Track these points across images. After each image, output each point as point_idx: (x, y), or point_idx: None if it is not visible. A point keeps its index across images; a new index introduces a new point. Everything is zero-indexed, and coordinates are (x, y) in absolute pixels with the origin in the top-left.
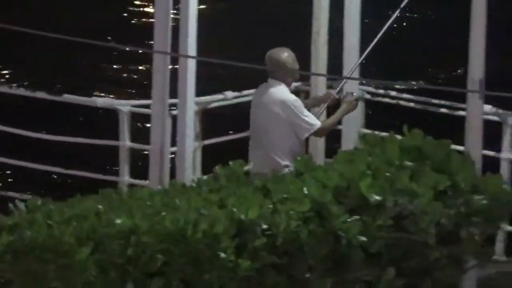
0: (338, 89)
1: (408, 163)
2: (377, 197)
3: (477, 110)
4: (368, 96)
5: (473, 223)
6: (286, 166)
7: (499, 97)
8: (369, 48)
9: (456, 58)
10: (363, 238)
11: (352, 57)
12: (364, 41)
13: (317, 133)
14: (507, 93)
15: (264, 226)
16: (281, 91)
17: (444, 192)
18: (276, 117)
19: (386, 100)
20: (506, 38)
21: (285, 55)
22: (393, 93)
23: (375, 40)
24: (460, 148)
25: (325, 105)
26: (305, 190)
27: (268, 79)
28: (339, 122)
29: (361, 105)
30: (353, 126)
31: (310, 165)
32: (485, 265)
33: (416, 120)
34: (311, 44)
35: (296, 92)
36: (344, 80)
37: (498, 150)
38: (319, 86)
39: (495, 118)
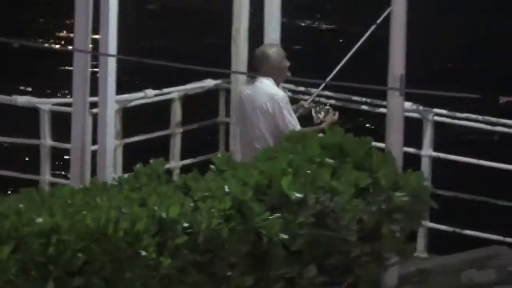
0: (310, 99)
1: (329, 161)
2: (298, 195)
3: (398, 107)
4: (289, 94)
5: (394, 220)
6: None
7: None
8: (348, 55)
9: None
10: (284, 236)
11: None
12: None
13: None
14: (427, 90)
15: (185, 224)
16: (269, 86)
17: (365, 189)
18: (263, 111)
19: (307, 97)
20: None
21: (272, 50)
22: (313, 90)
23: (355, 47)
24: (381, 145)
25: (296, 115)
26: (226, 188)
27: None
28: None
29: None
30: None
31: (231, 162)
32: (407, 261)
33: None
34: (231, 41)
35: (216, 90)
36: (318, 90)
37: (419, 147)
38: (240, 83)
39: (416, 115)
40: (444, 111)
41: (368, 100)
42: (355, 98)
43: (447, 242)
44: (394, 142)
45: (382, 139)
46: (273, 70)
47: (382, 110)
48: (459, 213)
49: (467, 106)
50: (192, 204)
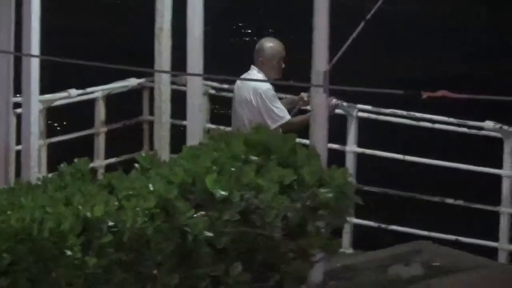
0: (308, 92)
1: (254, 158)
2: (223, 192)
3: (322, 104)
4: (212, 92)
5: (319, 216)
6: None
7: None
8: (338, 54)
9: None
10: (210, 234)
11: (196, 53)
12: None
13: (285, 126)
14: (350, 87)
15: (110, 223)
16: (257, 77)
17: (290, 186)
18: (249, 104)
19: (231, 95)
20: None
21: (268, 45)
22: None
23: (344, 47)
24: (306, 141)
25: (298, 107)
26: (151, 187)
27: (251, 66)
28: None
29: (205, 100)
30: (197, 122)
31: (155, 161)
32: (332, 257)
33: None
34: (155, 40)
35: (140, 89)
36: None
37: (344, 143)
38: (163, 82)
39: (340, 111)
40: (368, 107)
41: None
42: (280, 95)
43: (372, 237)
44: (319, 138)
45: (307, 136)
46: (264, 64)
47: (309, 107)
48: (384, 208)
49: (415, 104)
50: (116, 203)
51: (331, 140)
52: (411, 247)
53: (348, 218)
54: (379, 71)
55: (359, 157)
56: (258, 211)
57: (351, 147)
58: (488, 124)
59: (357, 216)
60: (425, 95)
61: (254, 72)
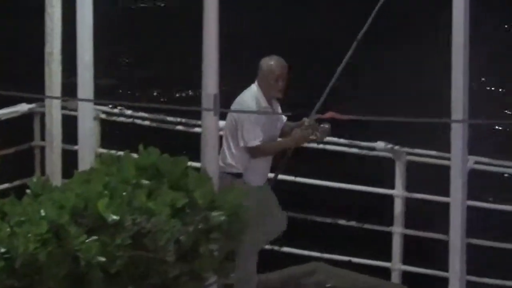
0: (310, 117)
1: (145, 182)
2: (115, 217)
3: (212, 126)
4: (103, 116)
5: (212, 240)
6: (234, 174)
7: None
8: (334, 78)
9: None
10: (102, 258)
11: (86, 77)
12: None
13: (251, 151)
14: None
15: (2, 250)
16: (246, 94)
17: (182, 209)
18: (230, 118)
19: (122, 119)
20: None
21: (267, 63)
22: (129, 111)
23: (340, 67)
24: (197, 164)
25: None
26: (42, 212)
27: None
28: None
29: (96, 125)
30: (89, 146)
31: (47, 186)
32: (226, 280)
33: (152, 138)
34: (45, 65)
35: (31, 114)
36: (316, 108)
37: None
38: (54, 107)
39: None
40: None
41: (183, 120)
42: (169, 118)
43: (266, 259)
44: (210, 161)
45: (198, 159)
46: (261, 81)
47: (197, 129)
48: None
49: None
50: (8, 229)
51: None
52: (304, 269)
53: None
54: None
55: None
56: (150, 235)
57: None
58: (380, 144)
59: None
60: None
61: (252, 87)
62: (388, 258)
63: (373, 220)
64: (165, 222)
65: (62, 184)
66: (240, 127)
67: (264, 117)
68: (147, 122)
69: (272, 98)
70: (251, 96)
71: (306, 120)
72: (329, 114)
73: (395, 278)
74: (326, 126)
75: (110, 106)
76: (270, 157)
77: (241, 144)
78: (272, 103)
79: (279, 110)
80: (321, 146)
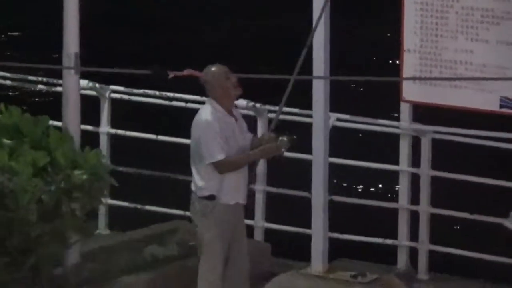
0: (269, 132)
1: (7, 141)
2: None
3: (73, 85)
4: None
5: (74, 199)
6: (205, 197)
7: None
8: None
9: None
10: None
11: None
12: None
13: (218, 166)
14: (103, 68)
15: None
16: (203, 110)
17: (44, 168)
18: (192, 136)
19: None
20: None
21: (210, 73)
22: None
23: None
24: (59, 123)
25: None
26: None
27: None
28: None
29: None
30: None
31: None
32: (89, 239)
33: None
34: None
35: None
36: (273, 123)
37: (98, 124)
38: None
39: (93, 92)
40: (121, 88)
41: (45, 79)
42: (31, 78)
43: (128, 218)
44: (71, 120)
45: (60, 118)
46: (213, 93)
47: (59, 88)
48: (140, 189)
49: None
50: None
51: (85, 122)
52: (167, 227)
53: (103, 200)
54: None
55: (112, 138)
56: (12, 195)
57: (104, 128)
58: (242, 102)
59: (113, 198)
60: (171, 74)
61: (205, 104)
62: (252, 216)
63: None
64: (27, 182)
65: None
66: (201, 145)
67: (226, 129)
68: (8, 82)
69: (231, 106)
70: (206, 111)
71: (264, 134)
72: (186, 72)
73: (258, 235)
74: (285, 138)
75: None
76: (244, 172)
77: (206, 162)
78: (233, 113)
79: (241, 119)
80: (182, 104)
